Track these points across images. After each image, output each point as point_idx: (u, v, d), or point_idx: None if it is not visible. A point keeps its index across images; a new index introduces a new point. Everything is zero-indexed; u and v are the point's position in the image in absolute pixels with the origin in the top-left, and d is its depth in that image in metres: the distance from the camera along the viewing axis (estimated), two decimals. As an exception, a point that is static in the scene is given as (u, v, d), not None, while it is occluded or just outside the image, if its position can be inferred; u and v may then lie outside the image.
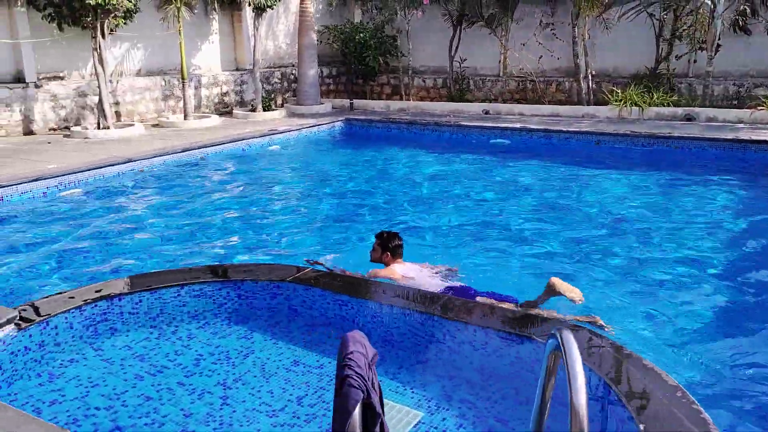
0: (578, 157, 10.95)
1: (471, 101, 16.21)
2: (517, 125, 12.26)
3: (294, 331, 4.56)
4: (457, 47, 16.04)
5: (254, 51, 14.37)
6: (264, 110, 14.61)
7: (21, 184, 7.81)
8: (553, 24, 15.46)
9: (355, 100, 16.25)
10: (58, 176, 8.23)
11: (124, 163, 9.12)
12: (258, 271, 4.87)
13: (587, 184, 9.29)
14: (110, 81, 13.15)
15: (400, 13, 15.94)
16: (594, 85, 14.74)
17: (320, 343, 4.40)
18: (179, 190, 8.86)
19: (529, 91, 16.12)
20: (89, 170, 8.62)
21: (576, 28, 14.14)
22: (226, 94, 15.56)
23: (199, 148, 10.41)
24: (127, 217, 7.61)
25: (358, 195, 8.86)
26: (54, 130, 12.57)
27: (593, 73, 14.52)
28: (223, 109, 15.47)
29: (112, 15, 11.74)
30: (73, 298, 4.29)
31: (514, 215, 7.86)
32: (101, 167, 8.78)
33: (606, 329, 4.66)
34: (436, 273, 5.51)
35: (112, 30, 12.36)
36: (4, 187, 7.65)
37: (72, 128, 12.20)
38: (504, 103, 15.54)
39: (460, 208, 8.22)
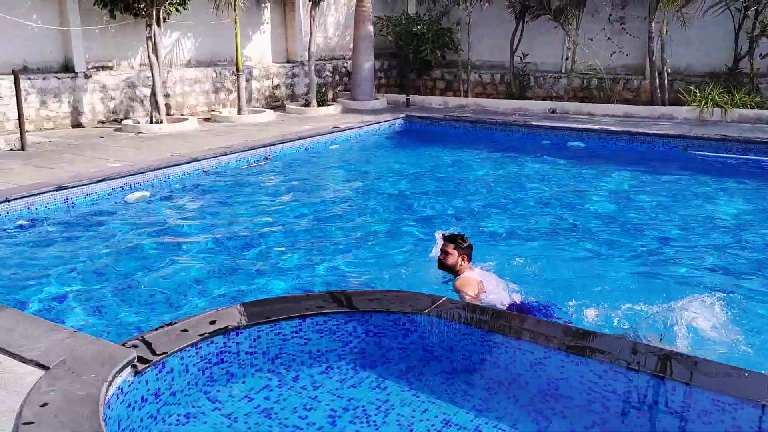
0: (666, 163, 10.14)
1: (531, 99, 15.43)
2: (595, 126, 11.45)
3: (432, 380, 3.88)
4: (519, 41, 15.22)
5: (309, 43, 13.68)
6: (318, 105, 13.93)
7: (88, 185, 7.20)
8: (623, 18, 14.57)
9: (410, 96, 15.49)
10: (124, 176, 7.62)
11: (190, 162, 8.49)
12: (387, 300, 4.16)
13: (679, 194, 8.49)
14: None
15: (461, 4, 15.13)
16: (666, 84, 13.86)
17: (468, 396, 3.71)
18: (250, 194, 8.22)
19: (594, 89, 15.26)
20: (156, 170, 7.99)
21: (653, 23, 13.26)
22: (277, 87, 14.90)
23: (264, 146, 9.76)
24: (200, 224, 6.99)
25: (430, 199, 8.17)
26: (102, 122, 12.00)
27: (669, 71, 13.63)
28: (273, 103, 14.82)
29: (168, 1, 11.12)
30: (186, 331, 3.62)
31: (595, 226, 7.17)
32: (167, 167, 8.15)
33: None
34: (501, 283, 5.05)
35: (164, 17, 11.73)
36: (69, 188, 7.04)
37: (123, 121, 11.62)
38: (569, 101, 14.70)
39: (533, 215, 7.55)
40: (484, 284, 4.83)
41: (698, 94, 13.01)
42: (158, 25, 11.11)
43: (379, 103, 14.69)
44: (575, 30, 14.38)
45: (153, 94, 11.39)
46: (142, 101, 12.46)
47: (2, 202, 6.45)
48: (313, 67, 13.81)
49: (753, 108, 12.49)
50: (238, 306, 4.04)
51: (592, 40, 14.50)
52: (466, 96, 15.69)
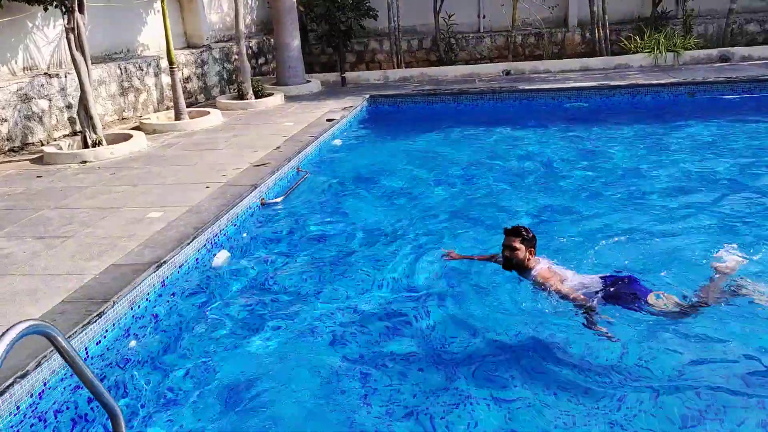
0: (680, 112, 9.86)
1: (456, 63, 14.47)
2: (594, 83, 10.82)
3: None
4: (441, 2, 14.07)
5: (237, 19, 11.16)
6: (256, 96, 11.52)
7: (178, 254, 4.71)
8: (544, -29, 14.11)
9: (338, 74, 13.57)
10: (203, 231, 5.17)
11: (251, 192, 6.13)
12: None
13: (721, 143, 8.22)
14: (56, 75, 9.35)
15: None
16: (588, 34, 13.80)
17: None
18: (329, 218, 6.22)
19: (520, 46, 14.73)
20: (227, 212, 5.60)
21: (590, -28, 12.96)
22: (188, 79, 12.05)
23: (296, 155, 7.55)
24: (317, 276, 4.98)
25: (468, 188, 7.08)
26: (-4, 155, 8.60)
27: (608, 21, 13.47)
28: (188, 100, 11.98)
29: (90, -22, 8.12)
30: None
31: (652, 190, 6.63)
32: (234, 206, 5.76)
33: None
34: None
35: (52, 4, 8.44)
36: (164, 263, 4.53)
37: (45, 149, 8.40)
38: (513, 61, 13.95)
39: (584, 185, 6.92)
40: (559, 272, 4.35)
41: (638, 41, 13.06)
42: (80, 11, 8.08)
43: (315, 86, 12.62)
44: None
45: (83, 106, 8.34)
46: (40, 119, 9.15)
47: (92, 320, 3.83)
48: (244, 50, 11.33)
49: (694, 49, 12.79)
50: None
51: (523, -4, 13.84)
52: (395, 67, 14.19)
